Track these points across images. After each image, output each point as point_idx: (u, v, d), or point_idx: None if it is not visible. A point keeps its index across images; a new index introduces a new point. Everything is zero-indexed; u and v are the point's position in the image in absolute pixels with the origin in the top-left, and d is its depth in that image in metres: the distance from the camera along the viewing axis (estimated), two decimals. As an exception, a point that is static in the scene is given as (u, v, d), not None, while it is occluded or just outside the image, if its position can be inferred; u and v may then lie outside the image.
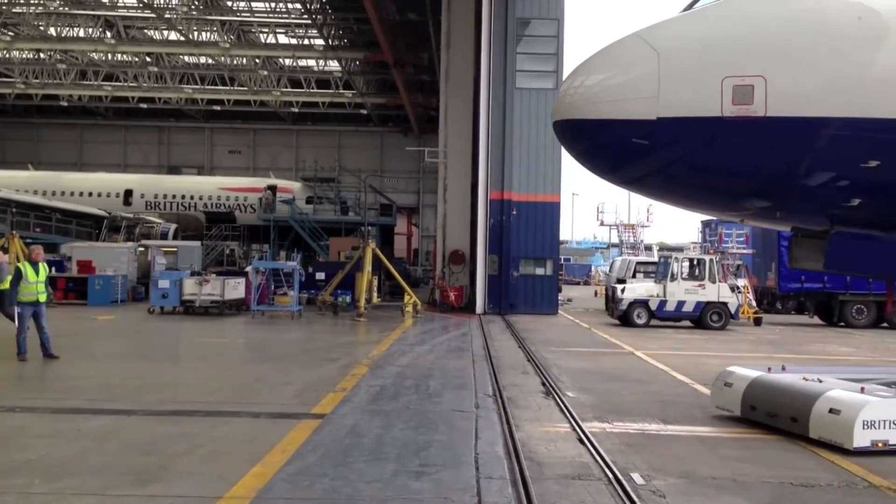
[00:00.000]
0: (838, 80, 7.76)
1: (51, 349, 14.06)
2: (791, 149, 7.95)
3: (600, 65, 8.29)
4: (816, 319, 29.62)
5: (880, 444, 8.34)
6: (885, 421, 8.39)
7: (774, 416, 9.41)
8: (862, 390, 8.83)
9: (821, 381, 9.30)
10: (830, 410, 8.60)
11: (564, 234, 72.72)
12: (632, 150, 8.07)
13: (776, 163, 8.11)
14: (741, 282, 28.67)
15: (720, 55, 7.92)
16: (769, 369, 10.26)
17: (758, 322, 28.10)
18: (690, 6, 8.49)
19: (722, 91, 7.66)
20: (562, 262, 55.24)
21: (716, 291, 25.61)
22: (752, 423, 9.76)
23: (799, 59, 7.85)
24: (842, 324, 27.98)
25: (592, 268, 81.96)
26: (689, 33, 8.27)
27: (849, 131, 7.77)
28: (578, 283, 73.92)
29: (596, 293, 49.82)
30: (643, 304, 25.98)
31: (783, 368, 10.29)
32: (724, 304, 25.74)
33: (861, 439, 8.30)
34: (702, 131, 7.86)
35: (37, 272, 14.00)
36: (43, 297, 14.04)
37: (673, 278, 25.61)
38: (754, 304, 29.26)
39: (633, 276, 33.51)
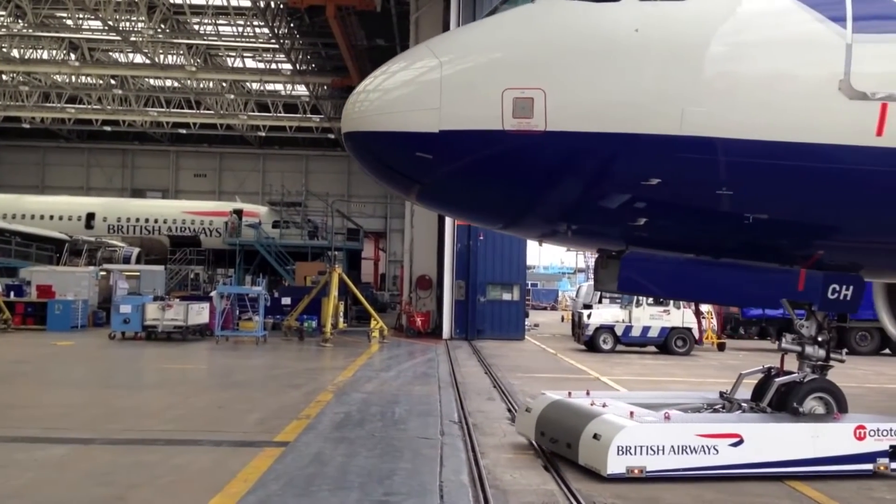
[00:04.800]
0: (613, 94, 7.48)
1: None
2: (572, 165, 7.67)
3: (388, 74, 7.98)
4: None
5: (636, 471, 8.05)
6: (641, 447, 8.10)
7: (555, 442, 9.18)
8: (631, 415, 8.57)
9: (605, 406, 9.05)
10: (594, 436, 8.39)
11: (532, 260, 73.02)
12: (416, 165, 7.68)
13: (559, 179, 7.81)
14: (705, 307, 28.98)
15: (502, 66, 7.57)
16: (569, 394, 9.96)
17: (721, 347, 28.40)
18: (489, 15, 8.28)
19: (503, 103, 7.30)
20: (529, 287, 55.36)
21: (680, 317, 25.86)
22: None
23: (575, 71, 7.54)
24: (803, 349, 28.27)
25: (559, 293, 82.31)
26: (474, 43, 8.01)
27: (626, 147, 7.50)
28: (546, 309, 74.14)
29: (563, 318, 49.99)
30: (609, 329, 26.14)
31: (587, 393, 9.99)
32: (689, 329, 25.99)
33: (615, 465, 8.03)
34: (484, 145, 7.48)
35: None
36: None
37: (638, 304, 25.81)
38: (718, 329, 29.58)
39: (600, 302, 33.70)
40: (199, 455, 8.93)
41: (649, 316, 25.76)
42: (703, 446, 8.23)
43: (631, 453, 8.08)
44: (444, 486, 7.80)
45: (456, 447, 9.68)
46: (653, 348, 26.42)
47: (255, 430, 10.54)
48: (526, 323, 33.75)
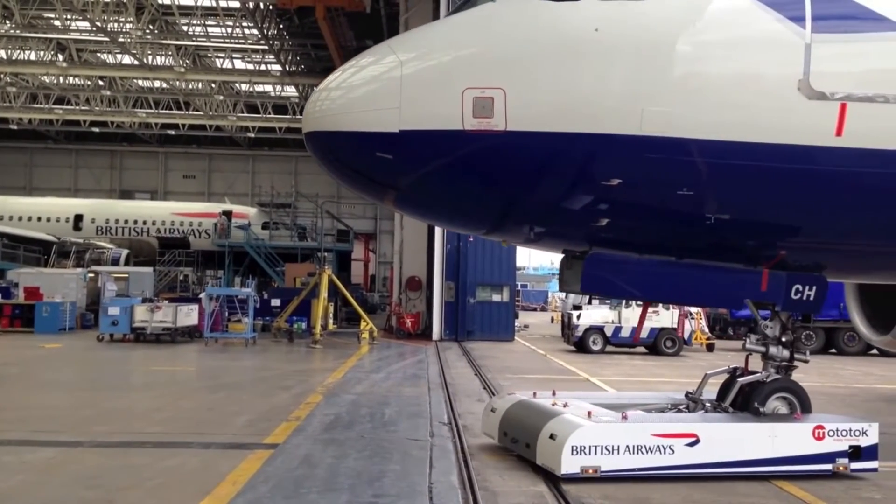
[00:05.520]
0: (573, 94, 7.42)
1: None
2: (533, 165, 7.58)
3: (350, 74, 7.88)
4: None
5: (591, 471, 8.04)
6: (596, 446, 8.08)
7: (516, 442, 9.16)
8: (589, 415, 8.55)
9: (565, 406, 9.01)
10: (551, 436, 8.36)
11: (521, 261, 73.11)
12: (377, 165, 7.64)
13: (520, 180, 7.73)
14: (694, 308, 29.07)
15: (462, 65, 7.55)
16: (534, 394, 9.93)
17: (710, 348, 28.50)
18: (452, 14, 8.16)
19: (463, 103, 7.25)
20: (518, 288, 55.40)
21: (669, 318, 25.94)
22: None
23: (536, 71, 7.49)
24: (791, 349, 28.40)
25: (549, 294, 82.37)
26: (435, 42, 7.96)
27: (588, 148, 7.45)
28: (535, 310, 74.21)
29: (552, 319, 50.06)
30: (599, 330, 26.22)
31: (553, 393, 9.90)
32: (677, 330, 26.08)
33: (570, 465, 8.02)
34: (444, 145, 7.43)
35: None
36: None
37: (627, 305, 25.87)
38: (707, 330, 29.69)
39: (589, 303, 33.78)
40: (188, 457, 8.90)
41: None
42: (658, 446, 8.23)
43: (585, 453, 8.07)
44: (433, 487, 7.80)
45: (445, 449, 9.68)
46: (642, 349, 26.51)
47: (245, 432, 10.52)
48: (516, 324, 33.79)
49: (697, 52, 7.55)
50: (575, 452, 8.05)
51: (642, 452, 8.20)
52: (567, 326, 28.36)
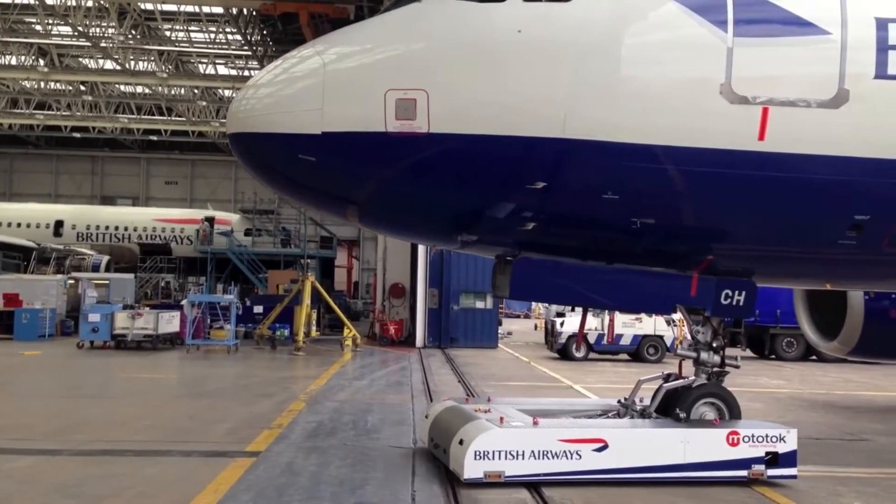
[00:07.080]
0: (495, 96, 7.36)
1: None
2: (456, 168, 7.52)
3: (274, 74, 7.84)
4: (749, 352, 30.29)
5: (495, 476, 8.00)
6: (500, 451, 8.04)
7: (437, 448, 9.16)
8: (501, 421, 8.47)
9: (487, 412, 8.98)
10: (460, 441, 8.34)
11: (504, 268, 72.93)
12: (300, 167, 7.55)
13: (444, 182, 7.68)
14: (677, 315, 29.17)
15: (385, 66, 7.49)
16: (467, 400, 9.90)
17: (693, 355, 28.60)
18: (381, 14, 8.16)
19: (385, 104, 7.20)
20: (502, 295, 55.41)
21: (652, 325, 26.04)
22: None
23: (458, 72, 7.43)
24: (773, 356, 28.67)
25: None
26: (359, 42, 7.89)
27: (511, 150, 7.38)
28: (519, 317, 74.26)
29: (536, 327, 50.12)
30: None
31: (488, 399, 9.88)
32: (661, 337, 26.21)
33: (472, 470, 7.98)
34: (367, 147, 7.35)
35: None
36: None
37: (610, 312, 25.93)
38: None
39: (573, 310, 33.87)
40: (168, 466, 8.84)
41: (621, 324, 25.91)
42: (565, 451, 8.19)
43: (489, 458, 8.03)
44: (416, 495, 7.79)
45: (428, 456, 9.65)
46: (625, 356, 26.60)
47: (226, 440, 10.45)
48: (499, 331, 33.80)
49: (621, 56, 7.48)
50: (478, 457, 8.01)
51: (548, 458, 8.15)
52: (550, 334, 28.40)
